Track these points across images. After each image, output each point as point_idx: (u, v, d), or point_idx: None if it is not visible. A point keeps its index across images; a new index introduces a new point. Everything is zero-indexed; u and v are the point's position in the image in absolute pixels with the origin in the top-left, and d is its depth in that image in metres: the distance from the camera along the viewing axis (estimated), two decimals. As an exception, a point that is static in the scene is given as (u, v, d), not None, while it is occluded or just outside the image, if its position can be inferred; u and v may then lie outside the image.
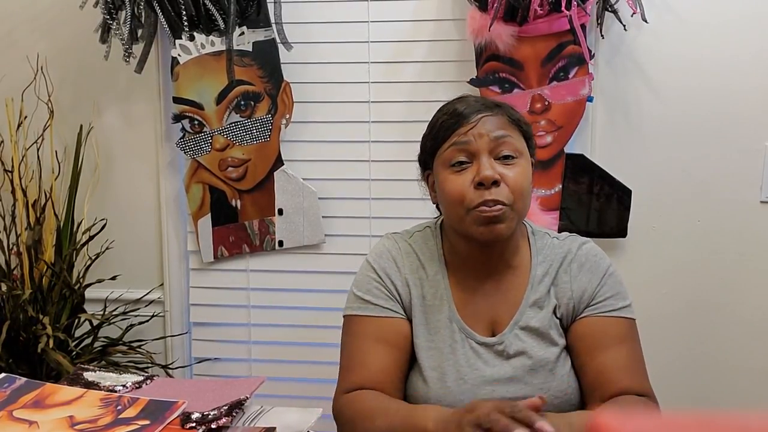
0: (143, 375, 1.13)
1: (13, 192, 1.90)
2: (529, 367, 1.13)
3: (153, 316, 2.01)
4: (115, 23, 1.80)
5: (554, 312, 1.16)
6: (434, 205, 1.23)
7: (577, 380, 1.15)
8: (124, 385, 1.07)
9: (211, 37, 1.84)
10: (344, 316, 1.21)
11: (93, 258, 1.94)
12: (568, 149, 1.84)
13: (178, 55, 1.85)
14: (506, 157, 1.11)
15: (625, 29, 1.76)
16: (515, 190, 1.10)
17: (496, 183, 1.09)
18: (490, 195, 1.08)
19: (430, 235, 1.23)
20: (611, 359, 1.11)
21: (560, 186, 1.85)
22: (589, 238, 1.23)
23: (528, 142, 1.16)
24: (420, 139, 1.20)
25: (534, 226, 1.24)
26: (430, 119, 1.16)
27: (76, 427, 0.94)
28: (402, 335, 1.16)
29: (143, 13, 1.79)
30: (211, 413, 0.96)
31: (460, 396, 1.12)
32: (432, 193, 1.21)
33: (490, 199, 1.08)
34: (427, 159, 1.19)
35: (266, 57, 1.86)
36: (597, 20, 1.77)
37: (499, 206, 1.08)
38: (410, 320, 1.18)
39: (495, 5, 1.69)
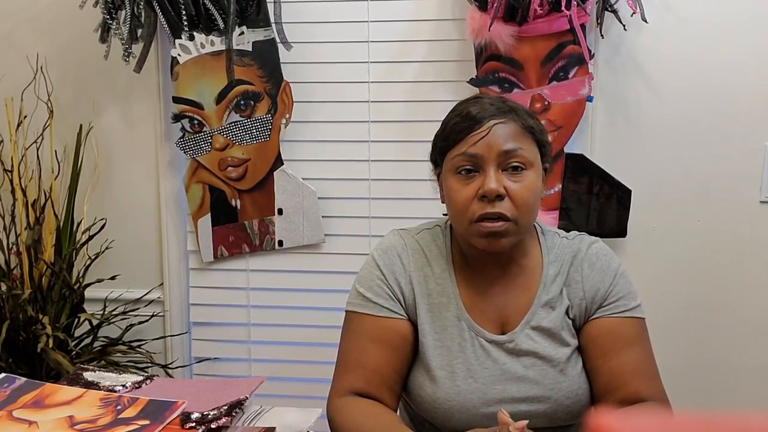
0: (143, 375, 1.13)
1: (13, 192, 1.90)
2: (539, 367, 1.12)
3: (153, 316, 2.01)
4: (114, 23, 1.80)
5: (567, 313, 1.15)
6: (443, 204, 1.20)
7: (588, 381, 1.14)
8: (123, 385, 1.07)
9: (210, 37, 1.84)
10: (346, 310, 1.20)
11: (93, 258, 1.94)
12: (567, 149, 1.84)
13: (178, 54, 1.85)
14: (515, 168, 1.09)
15: (624, 29, 1.76)
16: (520, 205, 1.08)
17: (500, 197, 1.07)
18: (493, 208, 1.07)
19: (439, 233, 1.22)
20: (624, 362, 1.11)
21: (560, 186, 1.85)
22: (597, 237, 1.22)
23: (542, 149, 1.14)
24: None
25: (544, 226, 1.23)
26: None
27: (76, 427, 0.94)
28: (401, 336, 1.15)
29: (143, 13, 1.79)
30: (211, 413, 0.96)
31: (469, 395, 1.12)
32: (441, 192, 1.19)
33: (492, 212, 1.07)
34: (437, 158, 1.18)
35: (266, 57, 1.86)
36: (597, 20, 1.77)
37: (501, 222, 1.08)
38: (413, 320, 1.17)
39: (495, 5, 1.69)
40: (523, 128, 1.11)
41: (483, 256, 1.16)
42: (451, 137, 1.12)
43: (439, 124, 1.19)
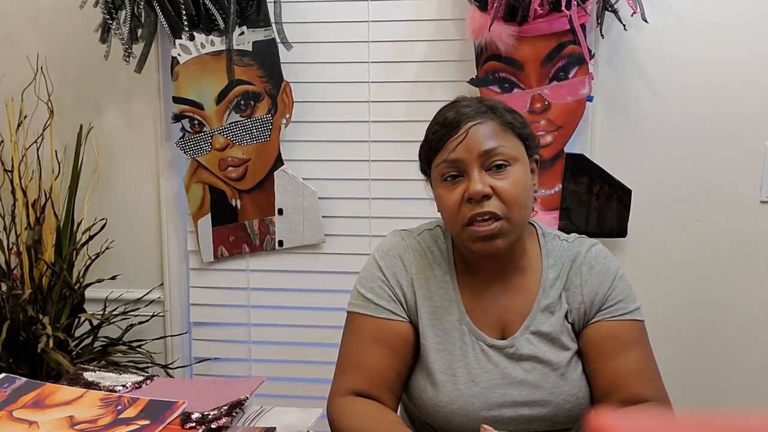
0: (143, 375, 1.13)
1: (13, 192, 1.90)
2: (540, 371, 1.12)
3: (153, 316, 2.01)
4: (115, 23, 1.80)
5: (566, 317, 1.15)
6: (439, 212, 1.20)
7: (588, 384, 1.14)
8: (124, 385, 1.07)
9: (211, 37, 1.84)
10: (347, 311, 1.20)
11: (93, 258, 1.94)
12: (568, 149, 1.84)
13: (178, 54, 1.85)
14: (498, 167, 1.09)
15: (625, 29, 1.76)
16: (508, 202, 1.08)
17: (486, 196, 1.07)
18: (481, 209, 1.07)
19: (441, 234, 1.22)
20: (624, 364, 1.11)
21: (560, 186, 1.85)
22: (597, 240, 1.22)
23: (526, 142, 1.14)
24: (420, 138, 1.19)
25: (544, 227, 1.23)
26: (429, 119, 1.14)
27: (76, 427, 0.94)
28: (402, 339, 1.15)
29: (143, 13, 1.79)
30: (211, 413, 0.96)
31: (471, 399, 1.11)
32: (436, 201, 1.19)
33: (481, 212, 1.07)
34: (424, 168, 1.18)
35: (266, 57, 1.86)
36: (597, 20, 1.77)
37: (494, 223, 1.07)
38: (414, 322, 1.17)
39: (495, 5, 1.69)
40: (502, 125, 1.11)
41: (482, 258, 1.15)
42: (432, 146, 1.13)
43: None
